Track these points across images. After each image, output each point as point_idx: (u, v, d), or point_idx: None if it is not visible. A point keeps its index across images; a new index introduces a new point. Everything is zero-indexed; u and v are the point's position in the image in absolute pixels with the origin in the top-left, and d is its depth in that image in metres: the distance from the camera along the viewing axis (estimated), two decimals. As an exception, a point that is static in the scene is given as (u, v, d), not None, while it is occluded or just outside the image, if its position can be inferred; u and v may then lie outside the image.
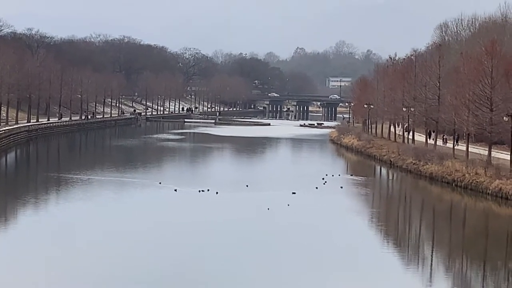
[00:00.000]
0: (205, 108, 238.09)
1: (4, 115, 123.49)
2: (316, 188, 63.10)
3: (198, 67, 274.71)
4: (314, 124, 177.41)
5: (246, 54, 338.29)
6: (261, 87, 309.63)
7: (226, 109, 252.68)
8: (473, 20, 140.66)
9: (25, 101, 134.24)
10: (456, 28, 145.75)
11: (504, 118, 67.49)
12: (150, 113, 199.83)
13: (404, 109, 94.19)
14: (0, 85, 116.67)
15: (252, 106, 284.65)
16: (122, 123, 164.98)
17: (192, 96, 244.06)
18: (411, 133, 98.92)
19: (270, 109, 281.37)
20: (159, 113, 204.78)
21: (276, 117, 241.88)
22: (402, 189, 72.99)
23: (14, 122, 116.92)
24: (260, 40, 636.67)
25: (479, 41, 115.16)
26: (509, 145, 70.14)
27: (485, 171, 66.25)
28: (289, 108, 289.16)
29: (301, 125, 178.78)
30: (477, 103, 72.70)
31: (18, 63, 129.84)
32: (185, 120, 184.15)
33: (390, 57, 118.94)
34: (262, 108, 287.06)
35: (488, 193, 62.97)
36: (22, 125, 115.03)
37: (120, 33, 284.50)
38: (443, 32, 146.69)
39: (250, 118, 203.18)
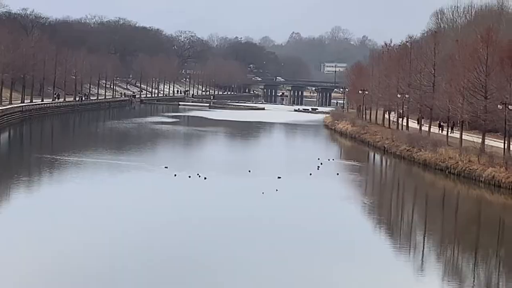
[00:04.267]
0: (200, 92, 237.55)
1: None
2: (310, 174, 62.81)
3: (193, 50, 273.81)
4: (308, 109, 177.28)
5: (242, 38, 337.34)
6: (256, 71, 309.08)
7: (220, 93, 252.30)
8: (469, 7, 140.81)
9: (20, 82, 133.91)
10: (452, 15, 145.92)
11: (499, 106, 67.42)
12: (145, 95, 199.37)
13: (398, 95, 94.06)
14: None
15: (247, 90, 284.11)
16: (116, 105, 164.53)
17: (187, 79, 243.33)
18: (406, 120, 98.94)
19: (265, 93, 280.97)
20: (153, 95, 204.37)
21: (271, 102, 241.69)
22: (395, 175, 73.07)
23: (8, 103, 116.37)
24: (256, 24, 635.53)
25: (475, 29, 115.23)
26: (503, 133, 70.31)
27: (478, 158, 66.27)
28: (283, 93, 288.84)
29: (295, 110, 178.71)
30: (472, 91, 72.70)
31: (13, 43, 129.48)
32: (179, 103, 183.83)
33: (385, 44, 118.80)
34: (257, 92, 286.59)
35: (481, 180, 63.00)
36: (16, 105, 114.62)
37: (115, 14, 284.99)
38: (439, 19, 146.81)
39: (244, 102, 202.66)
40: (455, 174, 67.57)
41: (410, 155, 78.65)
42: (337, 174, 65.78)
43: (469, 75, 73.08)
